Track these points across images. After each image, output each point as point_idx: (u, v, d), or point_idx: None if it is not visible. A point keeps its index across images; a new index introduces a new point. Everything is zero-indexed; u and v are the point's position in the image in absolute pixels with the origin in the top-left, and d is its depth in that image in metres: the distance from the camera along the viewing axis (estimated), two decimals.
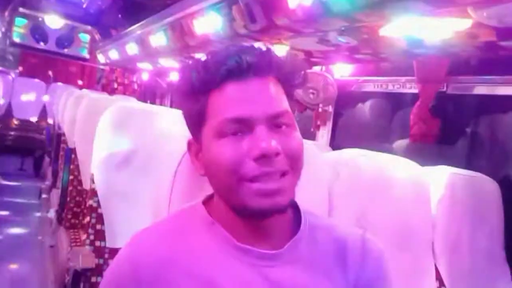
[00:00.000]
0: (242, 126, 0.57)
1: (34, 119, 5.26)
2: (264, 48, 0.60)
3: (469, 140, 1.87)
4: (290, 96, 0.61)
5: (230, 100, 0.57)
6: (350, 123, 2.50)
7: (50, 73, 5.84)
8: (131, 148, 1.40)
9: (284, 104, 0.59)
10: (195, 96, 0.60)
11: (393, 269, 0.67)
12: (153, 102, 5.33)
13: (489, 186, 1.33)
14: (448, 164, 1.33)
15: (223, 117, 0.57)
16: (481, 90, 1.70)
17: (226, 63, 0.58)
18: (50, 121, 4.60)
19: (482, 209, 1.29)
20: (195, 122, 0.61)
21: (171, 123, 1.22)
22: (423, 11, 1.24)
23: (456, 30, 1.30)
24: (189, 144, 0.65)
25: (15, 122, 5.07)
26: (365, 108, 2.49)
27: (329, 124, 2.46)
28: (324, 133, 2.47)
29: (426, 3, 1.10)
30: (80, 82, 6.21)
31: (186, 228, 0.62)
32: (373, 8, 1.28)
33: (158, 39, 3.08)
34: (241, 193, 0.56)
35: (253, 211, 0.57)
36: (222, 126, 0.57)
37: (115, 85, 5.82)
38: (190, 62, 0.63)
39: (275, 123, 0.57)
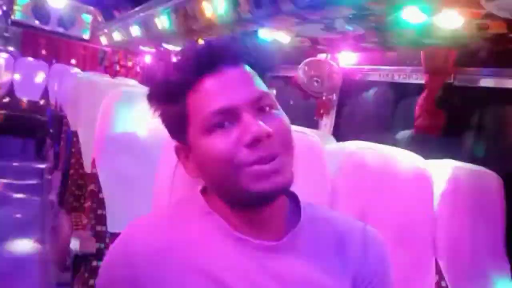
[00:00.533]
0: (228, 117, 0.56)
1: (35, 99, 5.23)
2: (231, 37, 0.61)
3: (474, 134, 1.85)
4: (264, 79, 0.62)
5: (210, 94, 0.57)
6: (354, 112, 2.48)
7: (47, 53, 5.78)
8: (132, 133, 1.39)
9: (262, 86, 0.60)
10: (172, 99, 0.60)
11: (393, 263, 0.67)
12: None
13: (492, 181, 1.32)
14: (452, 158, 1.32)
15: (206, 112, 0.57)
16: (489, 82, 1.68)
17: (198, 60, 0.58)
18: (51, 102, 4.58)
19: (484, 204, 1.28)
20: (178, 124, 0.61)
21: None
22: (433, 0, 1.22)
23: (466, 21, 1.28)
24: (177, 150, 0.64)
25: (17, 102, 5.04)
26: (370, 97, 2.47)
27: (333, 113, 2.44)
28: (327, 122, 2.45)
29: None
30: (80, 64, 6.16)
31: (184, 218, 0.62)
32: None
33: (162, 22, 3.05)
34: (240, 180, 0.55)
35: (255, 195, 0.56)
36: (207, 120, 0.57)
37: (117, 68, 5.78)
38: (157, 65, 0.63)
39: (258, 106, 0.57)
